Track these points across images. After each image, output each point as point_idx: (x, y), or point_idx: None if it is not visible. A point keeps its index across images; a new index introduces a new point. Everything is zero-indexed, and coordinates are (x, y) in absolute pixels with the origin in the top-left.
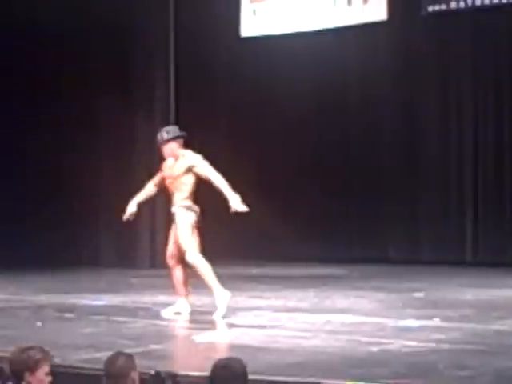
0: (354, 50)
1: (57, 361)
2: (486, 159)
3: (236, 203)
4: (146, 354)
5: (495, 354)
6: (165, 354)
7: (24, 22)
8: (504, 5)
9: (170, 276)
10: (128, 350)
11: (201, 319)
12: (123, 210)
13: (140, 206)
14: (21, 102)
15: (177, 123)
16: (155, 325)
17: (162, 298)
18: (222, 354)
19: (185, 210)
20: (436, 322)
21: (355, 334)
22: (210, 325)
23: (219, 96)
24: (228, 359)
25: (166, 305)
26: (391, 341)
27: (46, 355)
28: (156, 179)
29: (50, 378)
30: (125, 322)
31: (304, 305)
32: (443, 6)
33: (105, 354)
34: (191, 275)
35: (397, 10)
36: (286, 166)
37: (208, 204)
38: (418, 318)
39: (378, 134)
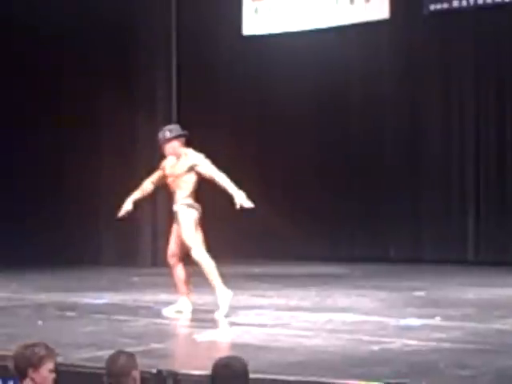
0: (356, 49)
1: (58, 359)
2: (488, 158)
3: (241, 199)
4: (148, 353)
5: (497, 353)
6: (166, 353)
7: (24, 22)
8: (506, 3)
9: (171, 275)
10: (129, 349)
11: (202, 318)
12: None
13: (138, 203)
14: (21, 102)
15: (178, 122)
16: (156, 323)
17: (163, 296)
18: (223, 352)
19: (186, 207)
20: (437, 321)
21: (356, 332)
22: (212, 323)
23: (221, 95)
24: (229, 358)
25: (168, 303)
26: (392, 340)
27: (51, 352)
28: (154, 177)
29: (53, 375)
30: (126, 321)
31: (305, 304)
32: (445, 5)
33: (106, 353)
34: (192, 274)
35: (399, 9)
36: (287, 165)
37: (210, 203)
38: (420, 316)
39: (380, 133)
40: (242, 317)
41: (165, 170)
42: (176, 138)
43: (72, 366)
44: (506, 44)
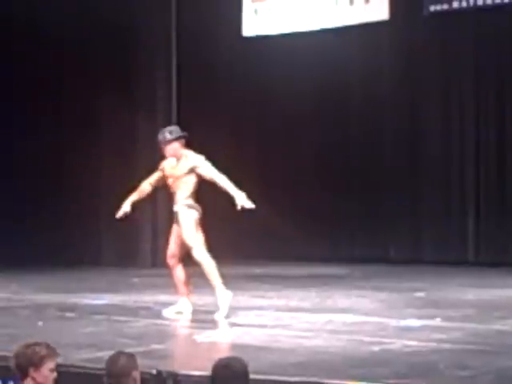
0: (356, 50)
1: (58, 360)
2: (488, 159)
3: (242, 200)
4: (148, 354)
5: (497, 354)
6: (166, 354)
7: (24, 21)
8: (506, 5)
9: (171, 275)
10: (129, 350)
11: (202, 319)
12: None
13: (137, 205)
14: (21, 102)
15: (178, 123)
16: (157, 324)
17: (163, 297)
18: (223, 353)
19: (187, 208)
20: (437, 321)
21: (357, 333)
22: (212, 324)
23: (221, 95)
24: (229, 359)
25: (168, 304)
26: (392, 340)
27: (52, 351)
28: (152, 179)
29: (54, 375)
30: (126, 322)
31: (305, 304)
32: (445, 6)
33: (106, 354)
34: (192, 274)
35: (399, 10)
36: (287, 166)
37: (210, 203)
38: (420, 317)
39: (380, 134)
40: (242, 317)
41: (164, 170)
42: (176, 139)
43: (72, 366)
44: (505, 45)
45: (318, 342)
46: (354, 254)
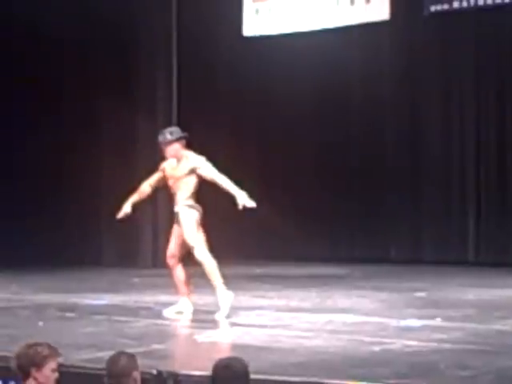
0: (357, 50)
1: (58, 360)
2: (489, 159)
3: (244, 199)
4: (148, 354)
5: (497, 354)
6: (167, 354)
7: (24, 21)
8: (506, 5)
9: (171, 275)
10: (130, 350)
11: (203, 318)
12: None
13: (137, 206)
14: (21, 102)
15: (179, 123)
16: (157, 324)
17: (163, 297)
18: (223, 353)
19: (188, 208)
20: (438, 321)
21: (357, 333)
22: (212, 324)
23: (221, 96)
24: (229, 359)
25: (168, 304)
26: (393, 340)
27: (53, 352)
28: (152, 180)
29: (56, 375)
30: (126, 322)
31: (306, 304)
32: (446, 6)
33: (106, 354)
34: (193, 274)
35: (399, 10)
36: (287, 165)
37: (211, 203)
38: (420, 317)
39: (380, 134)
40: (242, 317)
41: (165, 171)
42: (177, 140)
43: (72, 366)
44: (506, 45)
45: (319, 342)
46: (355, 254)
